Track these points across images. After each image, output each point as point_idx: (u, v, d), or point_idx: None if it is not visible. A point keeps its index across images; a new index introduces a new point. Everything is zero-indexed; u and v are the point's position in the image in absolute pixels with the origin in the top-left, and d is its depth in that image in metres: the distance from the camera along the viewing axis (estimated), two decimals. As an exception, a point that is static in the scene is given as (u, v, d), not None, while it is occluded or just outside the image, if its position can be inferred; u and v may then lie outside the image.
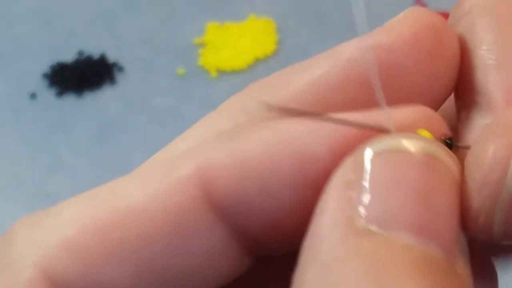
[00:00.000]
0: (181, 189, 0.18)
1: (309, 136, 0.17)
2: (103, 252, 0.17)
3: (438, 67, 0.19)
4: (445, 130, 0.18)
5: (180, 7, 0.77)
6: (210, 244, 0.18)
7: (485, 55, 0.19)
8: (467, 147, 0.18)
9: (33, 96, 0.72)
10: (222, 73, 0.73)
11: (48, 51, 0.74)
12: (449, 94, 0.20)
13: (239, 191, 0.18)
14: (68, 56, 0.74)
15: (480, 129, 0.18)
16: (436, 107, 0.19)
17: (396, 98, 0.18)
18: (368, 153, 0.17)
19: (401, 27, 0.19)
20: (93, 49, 0.74)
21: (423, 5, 0.70)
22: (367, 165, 0.17)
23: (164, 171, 0.18)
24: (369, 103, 0.18)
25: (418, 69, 0.18)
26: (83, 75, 0.73)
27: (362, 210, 0.16)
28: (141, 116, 0.70)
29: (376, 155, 0.17)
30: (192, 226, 0.18)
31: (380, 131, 0.17)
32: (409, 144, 0.17)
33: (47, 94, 0.72)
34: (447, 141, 0.18)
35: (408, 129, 0.17)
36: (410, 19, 0.19)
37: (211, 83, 0.72)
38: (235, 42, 0.74)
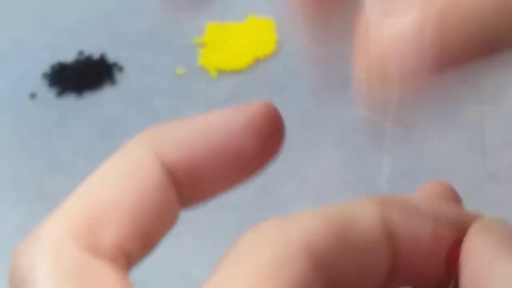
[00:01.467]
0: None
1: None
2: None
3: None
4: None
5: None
6: None
7: None
8: None
9: (33, 96, 0.72)
10: (222, 73, 0.73)
11: (48, 51, 0.74)
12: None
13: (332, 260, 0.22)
14: (68, 56, 0.74)
15: None
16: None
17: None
18: None
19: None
20: (93, 49, 0.74)
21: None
22: None
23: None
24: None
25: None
26: (83, 75, 0.73)
27: None
28: (141, 116, 0.70)
29: None
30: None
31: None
32: None
33: (47, 94, 0.72)
34: None
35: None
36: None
37: (211, 83, 0.72)
38: (235, 42, 0.74)
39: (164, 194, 0.23)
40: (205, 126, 0.24)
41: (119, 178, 0.24)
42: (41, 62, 0.74)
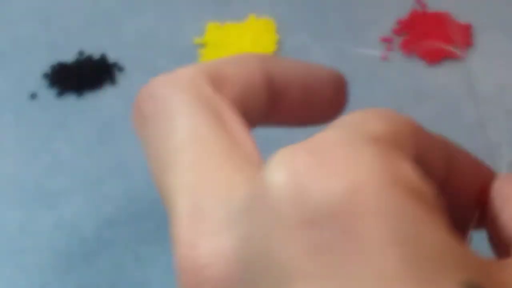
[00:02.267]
0: None
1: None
2: None
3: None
4: None
5: (180, 7, 0.77)
6: None
7: None
8: None
9: (33, 96, 0.72)
10: (222, 73, 0.72)
11: (48, 51, 0.74)
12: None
13: None
14: (68, 56, 0.74)
15: None
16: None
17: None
18: None
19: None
20: (93, 49, 0.74)
21: (423, 5, 0.70)
22: None
23: None
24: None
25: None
26: (83, 75, 0.73)
27: None
28: (141, 116, 0.70)
29: None
30: None
31: None
32: None
33: (47, 94, 0.72)
34: None
35: None
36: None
37: (211, 83, 0.72)
38: (235, 42, 0.74)
39: (262, 94, 0.29)
40: (304, 66, 0.32)
41: (237, 63, 0.30)
42: (41, 62, 0.74)
